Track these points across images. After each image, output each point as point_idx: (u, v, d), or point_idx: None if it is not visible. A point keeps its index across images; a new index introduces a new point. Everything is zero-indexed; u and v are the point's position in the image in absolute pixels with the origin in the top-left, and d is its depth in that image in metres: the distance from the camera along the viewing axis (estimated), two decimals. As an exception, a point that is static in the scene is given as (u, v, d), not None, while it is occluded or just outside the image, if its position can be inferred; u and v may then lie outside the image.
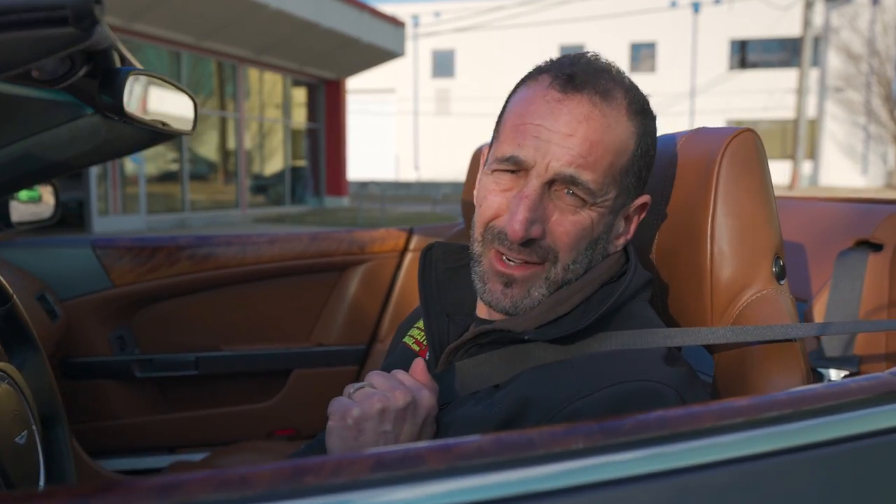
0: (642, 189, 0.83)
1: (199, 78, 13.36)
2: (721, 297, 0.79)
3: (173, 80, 1.20)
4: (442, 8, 29.41)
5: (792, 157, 23.19)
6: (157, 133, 1.39)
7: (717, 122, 28.08)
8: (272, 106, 15.56)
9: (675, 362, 0.75)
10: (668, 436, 0.44)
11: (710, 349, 0.82)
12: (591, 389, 0.70)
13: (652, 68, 29.02)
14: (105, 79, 0.97)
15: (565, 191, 0.77)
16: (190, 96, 1.25)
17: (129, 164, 11.43)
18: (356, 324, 1.89)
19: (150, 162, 12.22)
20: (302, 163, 16.58)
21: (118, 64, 1.06)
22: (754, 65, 28.14)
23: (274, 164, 15.94)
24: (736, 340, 0.73)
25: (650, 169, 0.83)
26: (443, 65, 31.19)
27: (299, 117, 16.44)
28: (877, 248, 1.22)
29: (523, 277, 0.79)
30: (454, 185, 23.45)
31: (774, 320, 0.74)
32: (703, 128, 0.87)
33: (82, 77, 1.03)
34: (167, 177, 12.75)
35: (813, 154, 26.33)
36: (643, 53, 29.15)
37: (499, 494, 0.40)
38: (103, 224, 10.71)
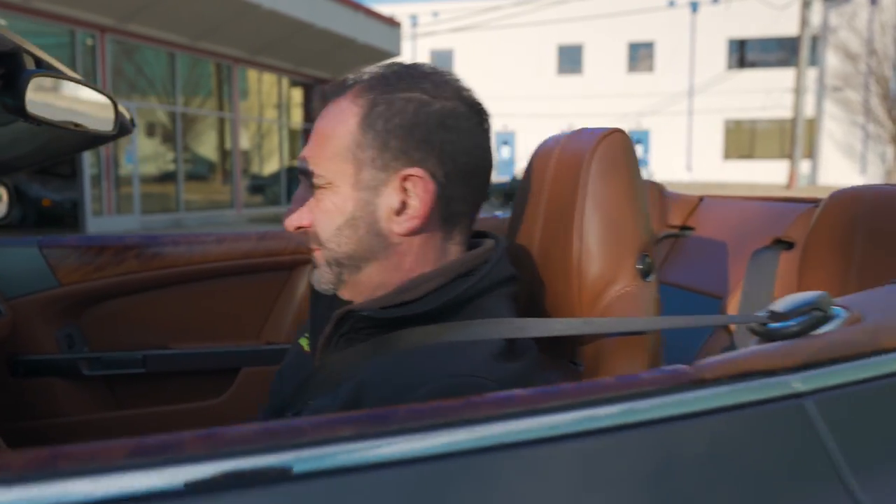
0: (411, 162, 0.80)
1: (197, 78, 13.39)
2: (588, 293, 0.80)
3: (89, 83, 1.22)
4: (440, 8, 29.44)
5: (790, 156, 23.18)
6: (97, 135, 1.41)
7: (716, 121, 28.09)
8: (268, 106, 15.60)
9: (513, 358, 0.76)
10: (442, 423, 0.46)
11: (579, 343, 0.83)
12: (421, 383, 0.72)
13: (650, 68, 29.03)
14: (7, 81, 0.99)
15: (307, 181, 0.84)
16: (109, 97, 1.26)
17: (124, 164, 11.47)
18: (306, 322, 1.91)
19: (145, 162, 12.25)
20: (286, 162, 16.62)
21: (31, 66, 1.08)
22: (752, 64, 28.13)
23: (270, 164, 15.98)
24: (583, 332, 0.75)
25: (412, 139, 0.80)
26: (441, 64, 30.91)
27: (296, 117, 16.47)
28: (788, 246, 1.23)
29: (316, 260, 0.88)
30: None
31: (635, 315, 0.76)
32: (584, 128, 0.89)
33: (-5, 79, 1.06)
34: (162, 177, 12.79)
35: (811, 153, 26.32)
36: (641, 53, 29.15)
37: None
38: (98, 224, 10.74)
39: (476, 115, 0.85)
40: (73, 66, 10.34)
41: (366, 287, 0.85)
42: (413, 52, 30.24)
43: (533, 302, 0.87)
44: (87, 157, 10.62)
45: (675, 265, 1.49)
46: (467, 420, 0.47)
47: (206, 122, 13.78)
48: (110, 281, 1.78)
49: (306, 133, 16.51)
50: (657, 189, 1.63)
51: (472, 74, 30.33)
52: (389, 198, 0.81)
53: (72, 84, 1.13)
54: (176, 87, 12.58)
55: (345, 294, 0.87)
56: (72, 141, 1.56)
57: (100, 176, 10.95)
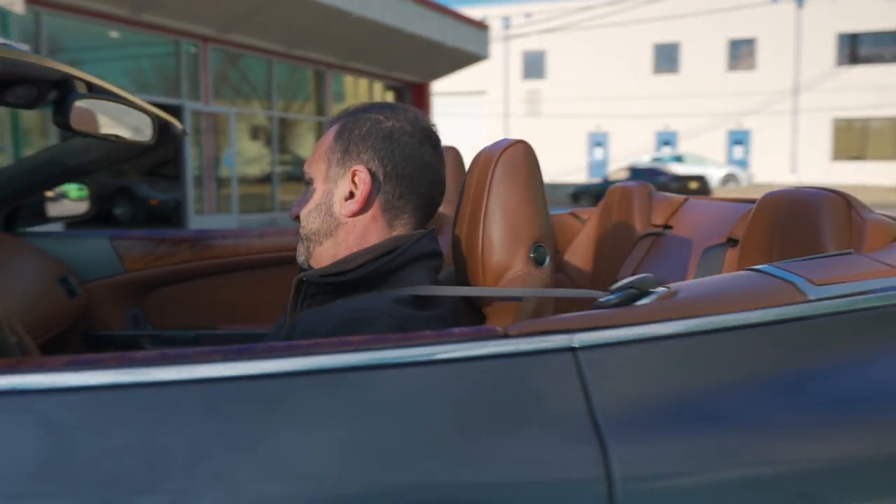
0: (360, 162, 1.06)
1: (292, 83, 14.04)
2: (490, 275, 0.96)
3: (133, 101, 1.47)
4: (533, 9, 29.43)
5: (903, 156, 21.89)
6: (148, 145, 1.68)
7: (823, 120, 26.81)
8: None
9: (418, 308, 0.95)
10: (292, 353, 0.65)
11: (483, 309, 1.00)
12: (335, 315, 0.93)
13: (752, 66, 28.02)
14: (58, 103, 1.23)
15: (305, 183, 1.10)
16: (148, 113, 1.51)
17: (224, 166, 12.18)
18: None
19: (244, 165, 12.96)
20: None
21: (82, 90, 1.33)
22: (865, 60, 26.69)
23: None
24: (467, 294, 0.93)
25: (364, 145, 1.06)
26: (534, 66, 31.21)
27: (386, 120, 16.94)
28: (735, 243, 1.34)
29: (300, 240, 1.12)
30: (548, 188, 23.41)
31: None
32: (501, 139, 1.05)
33: (52, 101, 1.31)
34: (259, 179, 13.48)
35: (929, 153, 24.75)
36: (742, 50, 28.18)
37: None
38: (199, 222, 11.46)
39: (422, 136, 1.09)
40: (177, 74, 11.10)
41: (324, 259, 1.08)
42: (505, 54, 30.37)
43: (460, 280, 1.05)
44: (190, 160, 11.36)
45: (651, 261, 1.62)
46: (313, 352, 0.66)
47: (302, 125, 14.42)
48: (168, 269, 2.06)
49: (396, 135, 16.99)
50: (646, 190, 1.75)
51: (564, 75, 30.18)
52: (342, 188, 1.07)
53: (114, 104, 1.37)
54: (272, 92, 13.24)
55: (313, 265, 1.11)
56: (128, 149, 1.83)
57: (202, 177, 11.68)
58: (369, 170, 1.05)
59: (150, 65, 11.36)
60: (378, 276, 1.00)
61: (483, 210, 0.97)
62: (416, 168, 1.06)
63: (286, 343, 0.67)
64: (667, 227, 1.65)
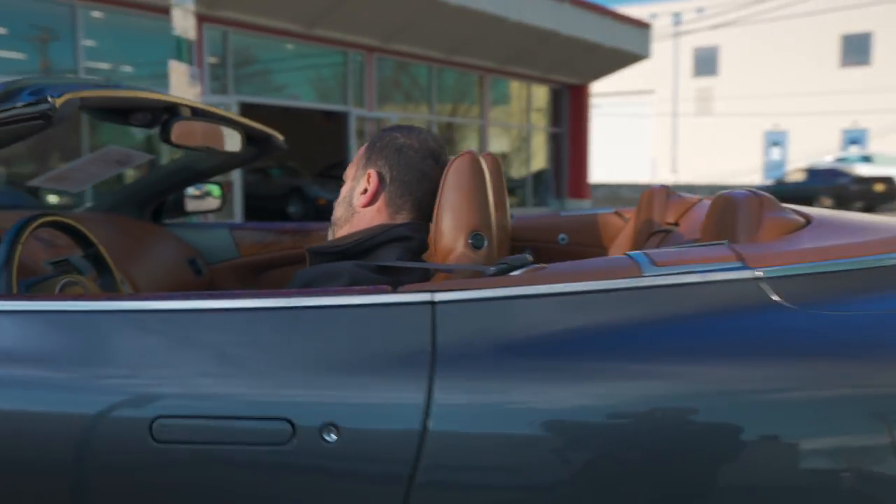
0: (375, 166, 1.38)
1: (452, 88, 14.66)
2: (440, 256, 1.22)
3: (226, 118, 1.87)
4: (705, 3, 28.28)
5: None
6: (254, 153, 2.12)
7: None
8: (518, 112, 16.46)
9: (367, 269, 1.22)
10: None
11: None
12: (314, 270, 1.24)
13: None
14: (164, 124, 1.65)
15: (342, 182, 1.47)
16: (238, 128, 1.91)
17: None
18: None
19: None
20: (545, 166, 17.27)
21: (187, 114, 1.74)
22: None
23: (518, 167, 16.82)
24: (415, 267, 1.20)
25: (380, 155, 1.39)
26: (705, 62, 29.97)
27: (543, 122, 17.14)
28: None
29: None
30: (710, 189, 22.52)
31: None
32: (465, 152, 1.31)
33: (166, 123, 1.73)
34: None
35: None
36: (948, 38, 25.41)
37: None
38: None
39: (427, 152, 1.41)
40: (344, 82, 11.99)
41: None
42: (675, 51, 29.44)
43: (427, 260, 1.33)
44: (354, 162, 12.23)
45: (654, 254, 1.81)
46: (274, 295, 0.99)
47: (462, 128, 14.99)
48: (274, 255, 2.48)
49: (553, 137, 17.13)
50: (664, 192, 1.93)
51: (738, 72, 28.71)
52: (361, 185, 1.40)
53: (210, 123, 1.77)
54: (432, 97, 13.90)
55: None
56: (245, 156, 2.26)
57: (365, 178, 12.51)
58: (379, 173, 1.38)
59: (321, 74, 12.37)
60: (360, 250, 1.31)
61: (437, 207, 1.24)
62: (415, 176, 1.38)
63: (262, 291, 1.01)
64: (675, 224, 1.82)
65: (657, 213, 1.91)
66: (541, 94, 16.81)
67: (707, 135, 29.54)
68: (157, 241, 2.35)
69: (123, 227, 2.31)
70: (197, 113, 1.79)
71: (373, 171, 1.38)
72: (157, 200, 2.43)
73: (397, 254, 1.30)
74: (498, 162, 1.89)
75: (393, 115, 12.93)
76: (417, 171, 1.38)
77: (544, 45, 13.78)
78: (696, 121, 29.84)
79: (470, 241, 1.21)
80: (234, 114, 1.96)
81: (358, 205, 1.38)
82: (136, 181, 2.48)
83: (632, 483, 0.90)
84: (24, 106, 1.15)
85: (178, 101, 1.71)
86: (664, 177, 30.37)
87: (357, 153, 1.45)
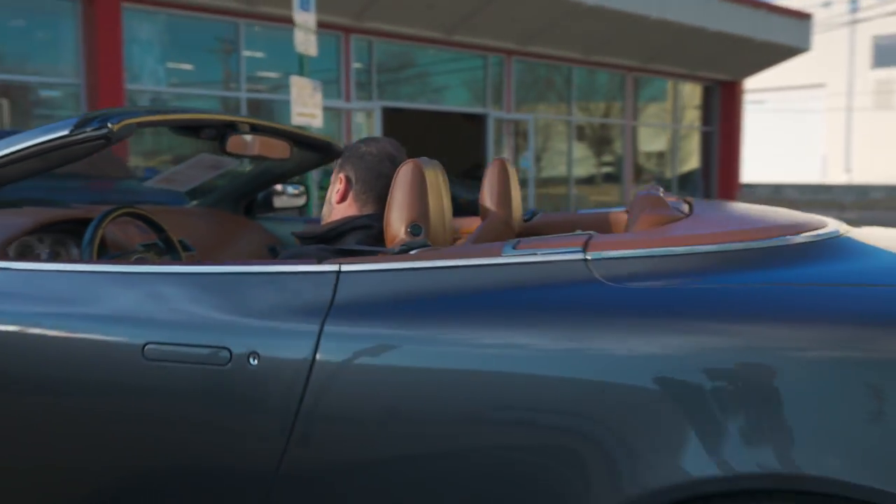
0: (344, 171, 1.73)
1: (591, 88, 14.66)
2: (389, 241, 1.53)
3: (281, 129, 2.26)
4: (886, -12, 25.96)
5: None
6: (316, 161, 2.53)
7: None
8: (662, 111, 16.12)
9: (329, 252, 1.51)
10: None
11: None
12: (291, 250, 1.56)
13: None
14: (222, 139, 2.07)
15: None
16: (287, 140, 2.30)
17: (520, 168, 13.26)
18: None
19: (544, 168, 13.96)
20: (694, 165, 16.77)
21: (245, 129, 2.16)
22: None
23: (668, 167, 16.44)
24: (353, 249, 1.51)
25: (347, 162, 1.74)
26: (886, 52, 27.51)
27: (692, 120, 16.65)
28: None
29: None
30: (888, 189, 20.70)
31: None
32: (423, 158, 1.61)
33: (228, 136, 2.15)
34: (554, 180, 14.34)
35: None
36: None
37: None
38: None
39: (384, 156, 1.73)
40: (484, 84, 12.41)
41: None
42: (850, 41, 27.28)
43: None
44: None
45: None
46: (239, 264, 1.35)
47: (610, 129, 14.94)
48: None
49: (703, 135, 16.60)
50: (650, 200, 2.12)
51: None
52: (335, 186, 1.74)
53: (261, 136, 2.18)
54: (571, 97, 13.99)
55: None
56: (310, 162, 2.67)
57: (502, 178, 12.84)
58: (347, 176, 1.73)
59: (461, 78, 12.86)
60: (332, 236, 1.64)
61: (387, 203, 1.56)
62: (373, 175, 1.72)
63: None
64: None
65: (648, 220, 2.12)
66: (692, 91, 16.34)
67: (886, 130, 27.13)
68: (247, 232, 2.82)
69: (219, 218, 2.80)
70: (255, 129, 2.20)
71: (342, 175, 1.74)
72: (247, 198, 2.90)
73: (358, 239, 1.63)
74: (506, 165, 2.16)
75: (528, 116, 13.16)
76: (375, 172, 1.72)
77: (690, 41, 13.44)
78: (874, 115, 27.49)
79: (409, 229, 1.52)
80: (291, 126, 2.37)
81: (334, 202, 1.74)
82: (228, 183, 2.97)
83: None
84: (93, 130, 1.59)
85: (236, 119, 2.13)
86: (836, 176, 28.22)
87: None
